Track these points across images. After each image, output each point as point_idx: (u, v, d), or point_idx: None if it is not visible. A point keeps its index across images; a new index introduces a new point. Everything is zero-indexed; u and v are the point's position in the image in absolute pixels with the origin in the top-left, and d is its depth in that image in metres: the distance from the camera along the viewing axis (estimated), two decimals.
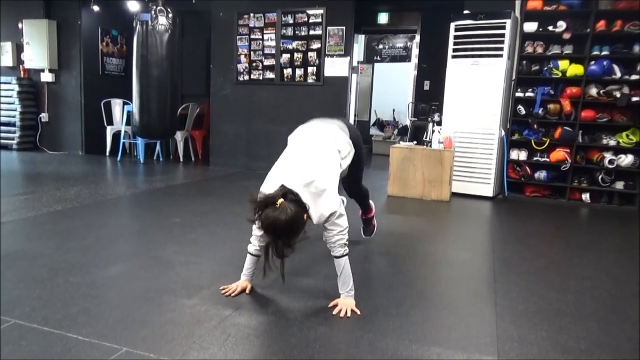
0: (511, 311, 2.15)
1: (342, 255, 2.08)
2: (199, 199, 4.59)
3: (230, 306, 2.06)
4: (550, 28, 4.96)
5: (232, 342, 1.75)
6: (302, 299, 2.21)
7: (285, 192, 1.92)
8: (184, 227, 3.43)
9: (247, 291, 2.23)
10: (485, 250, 3.23)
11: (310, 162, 2.13)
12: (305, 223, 1.93)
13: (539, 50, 5.06)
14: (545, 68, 5.02)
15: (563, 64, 4.95)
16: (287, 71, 6.32)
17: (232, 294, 2.19)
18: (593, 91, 4.87)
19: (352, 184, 2.81)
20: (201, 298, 2.14)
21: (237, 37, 6.47)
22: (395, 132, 9.66)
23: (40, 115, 7.59)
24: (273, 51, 6.35)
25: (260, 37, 6.38)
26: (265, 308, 2.07)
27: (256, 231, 2.17)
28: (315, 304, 2.16)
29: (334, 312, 2.04)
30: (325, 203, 2.01)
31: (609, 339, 1.92)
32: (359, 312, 2.05)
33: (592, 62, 4.85)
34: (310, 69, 6.23)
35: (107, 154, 7.18)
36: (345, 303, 2.09)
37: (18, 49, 7.56)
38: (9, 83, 7.43)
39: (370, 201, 3.07)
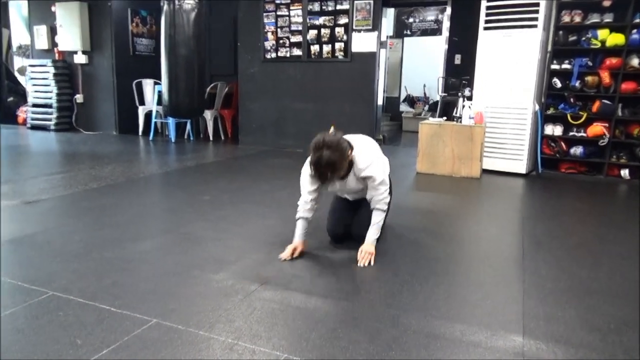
0: (539, 289, 2.11)
1: (379, 210, 2.42)
2: (228, 177, 4.65)
3: (256, 281, 2.10)
4: None
5: (257, 316, 1.79)
6: (326, 275, 2.23)
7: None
8: (213, 204, 3.50)
9: (303, 249, 2.42)
10: (515, 228, 3.16)
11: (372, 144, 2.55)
12: (348, 157, 2.26)
13: (577, 19, 4.83)
14: (584, 38, 4.80)
15: (602, 33, 4.71)
16: (314, 48, 6.26)
17: (292, 256, 2.38)
18: (635, 62, 4.63)
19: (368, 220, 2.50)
20: (228, 273, 2.19)
21: (264, 14, 6.43)
22: (426, 108, 9.48)
23: (75, 97, 7.80)
24: (300, 27, 6.28)
25: (287, 13, 6.32)
26: (290, 283, 2.10)
27: (307, 186, 2.42)
28: (339, 280, 2.18)
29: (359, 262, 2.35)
30: (371, 167, 2.36)
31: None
32: (372, 263, 2.34)
33: (634, 31, 4.59)
34: (337, 45, 6.14)
35: (140, 133, 7.34)
36: (367, 249, 2.39)
37: (52, 31, 7.74)
38: (45, 65, 7.64)
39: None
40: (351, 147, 2.29)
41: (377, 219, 2.43)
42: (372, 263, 2.35)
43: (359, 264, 2.34)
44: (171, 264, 2.29)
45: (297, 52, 6.36)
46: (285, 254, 2.38)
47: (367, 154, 2.39)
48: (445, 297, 2.01)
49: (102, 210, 3.26)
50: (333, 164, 2.16)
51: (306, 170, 2.38)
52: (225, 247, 2.55)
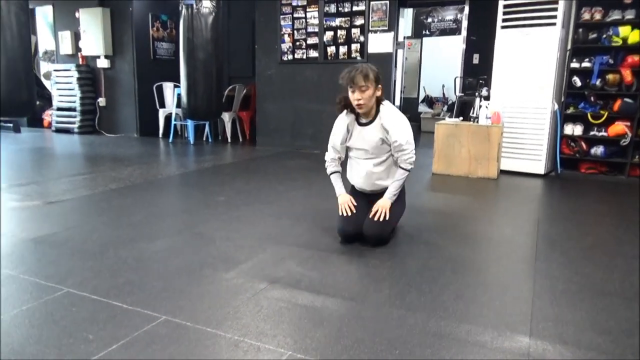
0: (550, 290, 2.08)
1: (404, 168, 2.62)
2: (244, 178, 4.71)
3: (265, 280, 2.13)
4: None
5: (264, 314, 1.82)
6: (335, 275, 2.25)
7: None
8: (228, 205, 3.55)
9: (353, 201, 2.67)
10: (530, 229, 3.12)
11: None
12: (378, 88, 2.54)
13: (597, 16, 4.74)
14: (604, 36, 4.70)
15: (624, 30, 4.61)
16: (331, 49, 6.28)
17: (351, 208, 2.63)
18: None
19: (383, 219, 2.60)
20: (238, 272, 2.22)
21: (281, 16, 6.49)
22: (445, 108, 9.41)
23: (98, 100, 7.99)
24: (316, 29, 6.32)
25: (304, 15, 6.36)
26: (298, 282, 2.12)
27: (336, 136, 2.71)
28: (348, 280, 2.19)
29: (371, 215, 2.57)
30: (397, 122, 2.59)
31: None
32: (387, 217, 2.55)
33: None
34: (354, 46, 6.16)
35: (160, 135, 7.47)
36: (382, 204, 2.60)
37: (76, 37, 7.96)
38: (69, 70, 7.85)
39: None
40: (382, 92, 2.59)
41: (400, 175, 2.64)
42: (387, 217, 2.56)
43: (374, 218, 2.55)
44: (183, 263, 2.34)
45: (313, 53, 6.40)
46: (345, 209, 2.63)
47: (396, 110, 2.66)
48: (453, 298, 2.00)
49: (120, 210, 3.34)
50: (366, 72, 2.47)
51: (340, 117, 2.71)
52: (236, 247, 2.59)
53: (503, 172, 4.85)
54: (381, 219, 2.56)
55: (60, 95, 8.06)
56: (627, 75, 4.60)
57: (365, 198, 2.77)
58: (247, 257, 2.42)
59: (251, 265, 2.32)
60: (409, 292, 2.05)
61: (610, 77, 4.70)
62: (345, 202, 2.67)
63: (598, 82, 4.73)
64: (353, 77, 2.47)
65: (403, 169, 2.63)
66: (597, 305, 1.95)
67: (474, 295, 2.05)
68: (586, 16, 4.77)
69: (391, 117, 2.59)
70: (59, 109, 8.12)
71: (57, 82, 8.10)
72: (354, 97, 2.52)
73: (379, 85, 2.55)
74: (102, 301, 1.89)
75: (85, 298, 1.91)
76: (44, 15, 8.83)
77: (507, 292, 2.09)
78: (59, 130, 8.09)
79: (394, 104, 6.38)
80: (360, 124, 2.67)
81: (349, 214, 2.62)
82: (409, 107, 9.59)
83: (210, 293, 2.00)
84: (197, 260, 2.37)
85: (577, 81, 4.84)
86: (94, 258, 2.37)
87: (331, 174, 2.78)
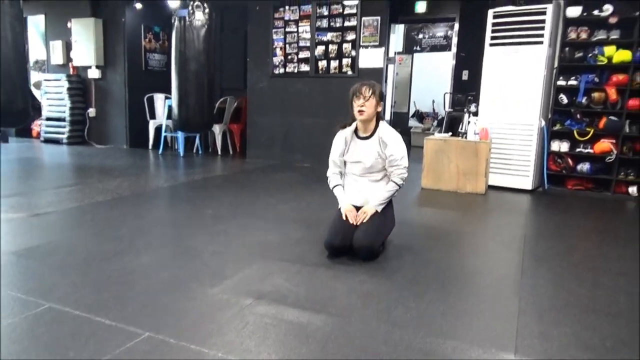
0: (535, 306, 2.09)
1: (395, 183, 2.72)
2: (233, 191, 4.69)
3: (251, 295, 2.11)
4: (596, 12, 4.73)
5: (249, 331, 1.80)
6: (322, 290, 2.24)
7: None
8: (216, 218, 3.53)
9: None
10: (516, 245, 3.14)
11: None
12: (379, 103, 2.69)
13: (583, 36, 4.83)
14: (590, 55, 4.79)
15: (609, 50, 4.70)
16: (322, 63, 6.32)
17: (355, 217, 2.68)
18: None
19: (373, 232, 2.65)
20: (224, 287, 2.21)
21: (273, 30, 6.53)
22: (435, 123, 9.48)
23: (88, 111, 7.95)
24: (308, 43, 6.36)
25: (295, 29, 6.41)
26: (285, 298, 2.11)
27: (335, 150, 2.85)
28: (335, 295, 2.18)
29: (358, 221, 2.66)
30: (395, 138, 2.72)
31: (638, 338, 1.84)
32: (368, 217, 2.64)
33: None
34: (345, 61, 6.21)
35: (150, 147, 7.44)
36: (366, 209, 2.70)
37: (67, 47, 7.94)
38: (59, 80, 7.82)
39: None
40: (382, 108, 2.76)
41: (390, 187, 2.73)
42: (365, 220, 2.65)
43: (362, 224, 2.64)
44: (168, 278, 2.31)
45: (305, 67, 6.44)
46: (351, 218, 2.67)
47: (393, 130, 2.79)
48: (440, 314, 2.00)
49: (106, 223, 3.31)
50: (373, 86, 2.65)
51: (338, 133, 2.85)
52: (223, 261, 2.57)
53: (491, 188, 4.89)
54: (358, 222, 2.66)
55: (49, 105, 8.01)
56: (612, 93, 4.69)
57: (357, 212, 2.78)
58: (233, 272, 2.41)
59: (237, 280, 2.31)
60: (396, 307, 2.05)
61: (595, 95, 4.78)
62: (349, 211, 2.73)
63: (584, 100, 4.81)
64: (360, 87, 2.67)
65: (394, 182, 2.72)
66: (582, 322, 1.96)
67: (460, 312, 2.05)
68: (572, 35, 4.86)
69: (390, 132, 2.75)
70: (48, 118, 8.06)
71: (47, 92, 8.05)
72: (358, 103, 2.66)
73: (381, 102, 2.72)
74: (84, 317, 1.86)
75: (68, 313, 1.88)
76: (35, 25, 8.79)
77: (494, 308, 2.10)
78: (47, 141, 8.02)
79: (384, 117, 6.45)
80: (359, 138, 2.78)
81: (353, 222, 2.67)
82: (399, 122, 9.64)
83: (195, 309, 1.98)
84: (183, 275, 2.35)
85: (564, 99, 4.91)
86: (78, 272, 2.34)
87: (334, 187, 2.87)
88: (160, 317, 1.88)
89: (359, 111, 2.67)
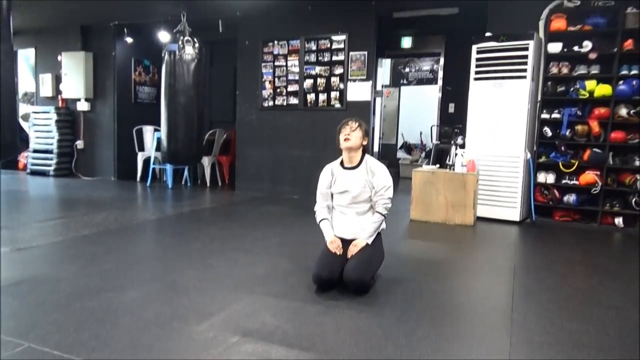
0: (527, 342, 2.07)
1: (380, 213, 2.75)
2: (222, 224, 4.65)
3: (237, 333, 2.06)
4: (576, 48, 4.87)
5: None
6: (310, 326, 2.19)
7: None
8: (203, 252, 3.48)
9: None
10: (506, 278, 3.13)
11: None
12: (366, 137, 2.79)
13: (565, 70, 4.96)
14: (572, 89, 4.91)
15: (590, 84, 4.83)
16: (311, 96, 6.40)
17: (338, 247, 2.71)
18: (623, 112, 4.72)
19: (363, 265, 2.63)
20: (210, 324, 2.15)
21: (262, 64, 6.63)
22: (423, 155, 9.58)
23: (76, 143, 7.92)
24: (297, 77, 6.46)
25: (284, 63, 6.51)
26: (272, 335, 2.06)
27: (322, 184, 2.89)
28: (323, 332, 2.13)
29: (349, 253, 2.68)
30: (382, 169, 2.80)
31: None
32: (358, 249, 2.66)
33: (621, 82, 4.71)
34: (333, 94, 6.29)
35: (138, 179, 7.39)
36: (357, 243, 2.70)
37: (57, 80, 7.97)
38: (48, 112, 7.81)
39: None
40: (367, 143, 2.83)
41: (376, 219, 2.77)
42: (354, 252, 2.67)
43: (353, 257, 2.65)
44: (153, 315, 2.26)
45: (293, 100, 6.51)
46: (333, 249, 2.70)
47: (379, 162, 2.87)
48: (430, 352, 1.96)
49: (90, 258, 3.24)
50: (359, 121, 2.79)
51: (325, 168, 2.92)
52: (209, 297, 2.52)
53: (480, 219, 4.90)
54: (353, 254, 2.66)
55: (37, 137, 7.97)
56: (595, 126, 4.79)
57: (346, 246, 2.76)
58: (220, 308, 2.36)
59: (224, 316, 2.26)
60: (386, 346, 2.01)
61: (579, 127, 4.88)
62: (333, 242, 2.75)
63: (568, 133, 4.90)
64: (347, 120, 2.82)
65: (379, 213, 2.76)
66: (573, 358, 1.93)
67: (450, 349, 2.02)
68: (554, 70, 4.99)
69: (377, 163, 2.84)
70: (35, 150, 8.00)
71: (35, 124, 8.02)
72: (344, 132, 2.76)
73: (367, 137, 2.82)
74: (64, 358, 1.80)
75: (47, 354, 1.82)
76: (25, 58, 8.84)
77: (485, 345, 2.07)
78: (34, 173, 7.94)
79: (372, 149, 6.51)
80: (345, 168, 2.83)
81: (339, 253, 2.69)
82: (387, 153, 9.74)
83: (179, 348, 1.93)
84: (168, 312, 2.30)
85: (548, 131, 5.00)
86: (60, 310, 2.28)
87: (320, 221, 2.88)
88: (144, 358, 1.82)
89: (345, 139, 2.75)
